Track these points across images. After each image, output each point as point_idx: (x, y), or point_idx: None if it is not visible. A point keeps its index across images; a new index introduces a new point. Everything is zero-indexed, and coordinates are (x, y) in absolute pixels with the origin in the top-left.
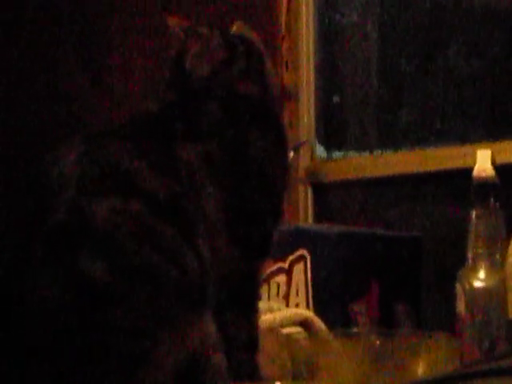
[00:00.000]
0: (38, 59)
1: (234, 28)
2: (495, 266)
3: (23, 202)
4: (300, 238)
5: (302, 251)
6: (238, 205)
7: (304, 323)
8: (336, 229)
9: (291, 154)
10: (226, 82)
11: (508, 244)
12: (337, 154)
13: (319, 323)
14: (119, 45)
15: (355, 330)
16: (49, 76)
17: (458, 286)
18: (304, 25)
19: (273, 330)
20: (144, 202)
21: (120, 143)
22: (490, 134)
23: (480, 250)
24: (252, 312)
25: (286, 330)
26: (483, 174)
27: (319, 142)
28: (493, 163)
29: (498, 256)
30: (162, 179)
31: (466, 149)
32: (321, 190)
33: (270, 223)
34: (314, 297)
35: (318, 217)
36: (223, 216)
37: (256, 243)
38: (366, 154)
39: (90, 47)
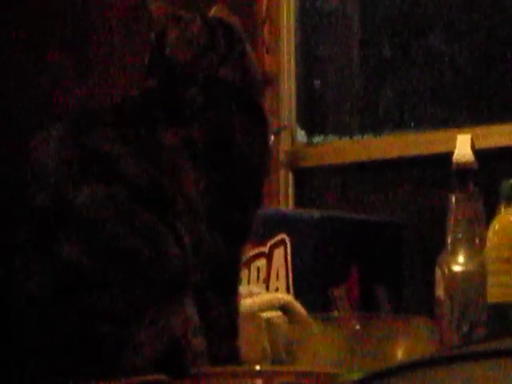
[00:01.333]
0: (21, 48)
1: (213, 11)
2: (474, 251)
3: (3, 188)
4: (280, 222)
5: (282, 235)
6: (219, 189)
7: (284, 307)
8: (316, 213)
9: (272, 138)
10: (206, 66)
11: (487, 229)
12: (317, 139)
13: (299, 307)
14: (103, 30)
15: (335, 314)
16: (32, 63)
17: (438, 271)
18: (285, 9)
19: (252, 314)
20: (124, 187)
21: (101, 128)
22: (470, 118)
23: (459, 235)
24: (232, 296)
25: (265, 315)
26: (463, 159)
27: (300, 127)
28: (472, 148)
29: (477, 240)
30: (143, 164)
31: (446, 134)
32: (301, 175)
33: (250, 208)
34: (294, 281)
35: (299, 201)
36: (205, 200)
37: (237, 228)
38: (347, 138)
39: (74, 34)
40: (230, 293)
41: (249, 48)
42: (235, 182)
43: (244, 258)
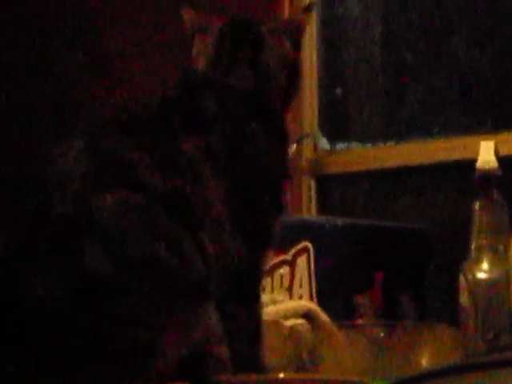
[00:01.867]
0: (36, 49)
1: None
2: (498, 258)
3: (26, 197)
4: (303, 229)
5: (305, 243)
6: (239, 197)
7: (307, 315)
8: (339, 221)
9: (294, 146)
10: (219, 75)
11: (511, 236)
12: (340, 146)
13: (323, 315)
14: (119, 32)
15: (359, 321)
16: (47, 66)
17: (462, 278)
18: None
19: (276, 321)
20: (147, 195)
21: (121, 136)
22: (494, 125)
23: (483, 242)
24: (255, 304)
25: (289, 322)
26: (486, 166)
27: (322, 134)
28: (496, 154)
29: (501, 247)
30: (165, 172)
31: (470, 140)
32: (324, 182)
33: (271, 215)
34: (317, 289)
35: (321, 209)
36: (226, 208)
37: (258, 235)
38: (369, 145)
39: (89, 35)
40: (253, 301)
41: (270, 51)
42: (254, 190)
43: (267, 265)
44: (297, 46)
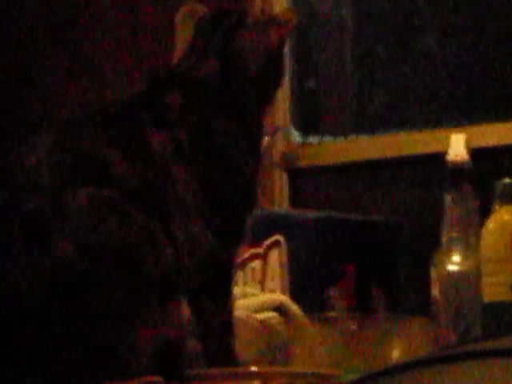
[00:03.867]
0: (12, 49)
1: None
2: (469, 250)
3: None
4: (275, 223)
5: (278, 236)
6: (208, 191)
7: (279, 308)
8: (311, 214)
9: (266, 139)
10: (185, 68)
11: (482, 228)
12: (312, 139)
13: (295, 308)
14: (95, 33)
15: (331, 314)
16: (24, 66)
17: (433, 270)
18: (278, 9)
19: (248, 315)
20: (118, 189)
21: (91, 131)
22: (464, 118)
23: (454, 234)
24: (226, 297)
25: (261, 316)
26: (457, 158)
27: (294, 127)
28: (467, 147)
29: (472, 240)
30: (134, 166)
31: (440, 133)
32: (296, 175)
33: (241, 209)
34: (289, 282)
35: (294, 202)
36: (197, 201)
37: (229, 229)
38: (341, 138)
39: (65, 36)
40: (224, 295)
41: (243, 41)
42: (223, 184)
43: (238, 259)
44: (282, 39)
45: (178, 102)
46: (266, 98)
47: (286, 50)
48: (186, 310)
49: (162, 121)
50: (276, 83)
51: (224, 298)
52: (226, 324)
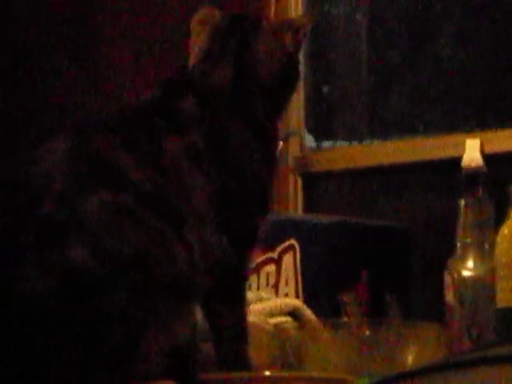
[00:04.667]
0: (24, 51)
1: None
2: (484, 256)
3: (10, 196)
4: (289, 227)
5: (292, 241)
6: (222, 197)
7: (293, 313)
8: (325, 219)
9: (281, 144)
10: (200, 73)
11: (497, 233)
12: (326, 144)
13: (308, 313)
14: (108, 35)
15: (345, 319)
16: (36, 68)
17: (447, 276)
18: (293, 14)
19: (262, 319)
20: (132, 194)
21: (106, 136)
22: (479, 123)
23: (469, 240)
24: (240, 302)
25: (275, 320)
26: (472, 164)
27: (309, 132)
28: (481, 152)
29: (486, 245)
30: (148, 171)
31: (455, 138)
32: (310, 180)
33: (255, 215)
34: (303, 286)
35: (308, 207)
36: (211, 206)
37: (243, 233)
38: (356, 143)
39: (78, 38)
40: (238, 299)
41: (260, 47)
42: (237, 190)
43: (252, 264)
44: (297, 44)
45: (193, 107)
46: (280, 103)
47: (301, 55)
48: (198, 314)
49: (176, 126)
50: (291, 88)
51: (237, 302)
52: (240, 329)
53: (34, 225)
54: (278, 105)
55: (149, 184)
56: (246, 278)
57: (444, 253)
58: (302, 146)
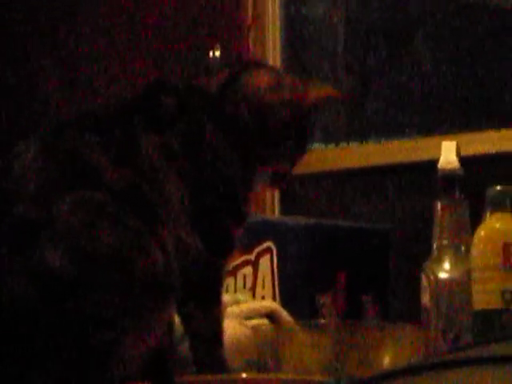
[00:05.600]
0: (6, 52)
1: None
2: (460, 258)
3: None
4: (266, 229)
5: (269, 243)
6: (197, 198)
7: (270, 315)
8: (303, 221)
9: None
10: (186, 77)
11: (473, 236)
12: None
13: (285, 315)
14: (89, 35)
15: (322, 321)
16: (18, 70)
17: (424, 278)
18: (270, 17)
19: (239, 322)
20: (106, 193)
21: (81, 134)
22: (455, 125)
23: (445, 242)
24: (216, 305)
25: (252, 322)
26: (448, 166)
27: None
28: (458, 155)
29: (463, 247)
30: (124, 170)
31: (431, 140)
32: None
33: (229, 222)
34: (280, 289)
35: (285, 209)
36: (186, 207)
37: (216, 240)
38: (332, 146)
39: (60, 39)
40: (213, 303)
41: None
42: (210, 195)
43: (228, 268)
44: (312, 102)
45: (173, 105)
46: (277, 146)
47: (278, 57)
48: (175, 316)
49: (153, 124)
50: (298, 145)
51: (213, 306)
52: (215, 331)
53: (7, 226)
54: (274, 145)
55: (124, 183)
56: (221, 283)
57: (421, 255)
58: None
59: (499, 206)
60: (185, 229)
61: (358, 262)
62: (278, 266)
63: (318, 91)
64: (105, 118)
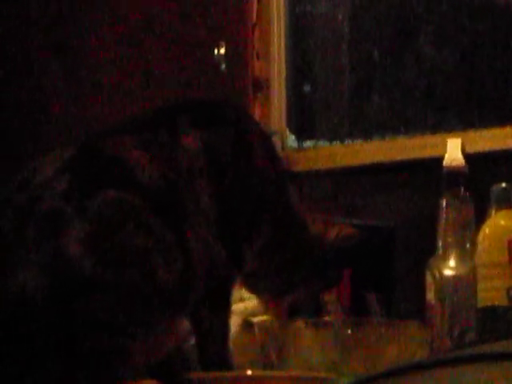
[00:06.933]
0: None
1: None
2: (465, 255)
3: (14, 195)
4: None
5: None
6: (228, 204)
7: None
8: None
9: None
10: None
11: (478, 233)
12: (308, 144)
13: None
14: (93, 34)
15: (326, 318)
16: (21, 71)
17: (428, 275)
18: (275, 14)
19: (244, 319)
20: (139, 194)
21: (117, 135)
22: (460, 123)
23: (450, 239)
24: (225, 307)
25: (257, 319)
26: (453, 163)
27: (290, 132)
28: (463, 152)
29: (467, 245)
30: (160, 170)
31: (437, 138)
32: (292, 180)
33: (243, 239)
34: None
35: None
36: (215, 212)
37: (239, 248)
38: (337, 143)
39: (65, 40)
40: (223, 306)
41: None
42: (237, 206)
43: (239, 278)
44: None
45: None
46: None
47: (282, 55)
48: (185, 321)
49: (201, 121)
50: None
51: (223, 307)
52: (223, 331)
53: (34, 220)
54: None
55: (158, 183)
56: (234, 286)
57: (426, 252)
58: (283, 145)
59: (504, 203)
60: (211, 231)
61: (362, 259)
62: None
63: (338, 231)
64: (149, 117)
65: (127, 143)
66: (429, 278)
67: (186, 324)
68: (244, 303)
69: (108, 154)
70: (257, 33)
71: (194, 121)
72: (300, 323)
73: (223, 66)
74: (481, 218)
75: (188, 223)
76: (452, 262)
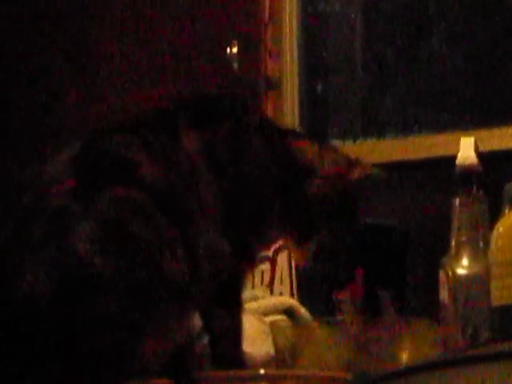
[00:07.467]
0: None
1: None
2: (478, 254)
3: (23, 193)
4: None
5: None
6: (231, 200)
7: (288, 311)
8: None
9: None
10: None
11: (491, 231)
12: None
13: (303, 311)
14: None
15: (339, 317)
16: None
17: (442, 274)
18: (288, 13)
19: (257, 318)
20: (142, 191)
21: (121, 133)
22: (473, 121)
23: (463, 238)
24: (236, 304)
25: (269, 318)
26: (466, 162)
27: (303, 131)
28: (476, 151)
29: (481, 243)
30: (163, 169)
31: (449, 136)
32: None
33: (252, 236)
34: (298, 285)
35: None
36: (219, 208)
37: (245, 244)
38: (350, 142)
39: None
40: (234, 303)
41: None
42: (244, 200)
43: (249, 273)
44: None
45: (227, 102)
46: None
47: (295, 54)
48: (196, 318)
49: (201, 121)
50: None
51: (234, 304)
52: (235, 329)
53: (43, 218)
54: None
55: (162, 181)
56: (243, 282)
57: (439, 250)
58: None
59: None
60: (216, 229)
61: (375, 258)
62: (295, 263)
63: (360, 170)
64: (151, 117)
65: (131, 143)
66: (442, 277)
67: (198, 322)
68: (257, 302)
69: (112, 153)
70: (269, 31)
71: (193, 120)
72: (313, 322)
73: (236, 65)
74: (494, 216)
75: (191, 220)
76: (465, 261)
